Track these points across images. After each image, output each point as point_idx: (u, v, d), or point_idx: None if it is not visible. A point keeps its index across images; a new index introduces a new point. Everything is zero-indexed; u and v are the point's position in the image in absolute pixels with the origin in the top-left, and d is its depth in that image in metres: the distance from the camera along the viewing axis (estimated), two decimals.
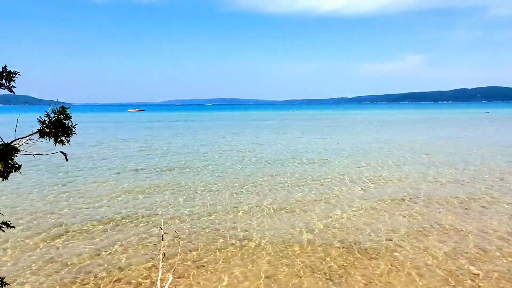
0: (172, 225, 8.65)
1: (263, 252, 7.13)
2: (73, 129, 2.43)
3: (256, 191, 11.85)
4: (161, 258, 6.20)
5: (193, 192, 11.75)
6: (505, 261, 6.56)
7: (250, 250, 7.21)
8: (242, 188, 12.28)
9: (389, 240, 7.65)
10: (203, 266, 6.57)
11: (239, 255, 7.01)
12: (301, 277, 6.16)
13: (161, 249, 6.44)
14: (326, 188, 12.19)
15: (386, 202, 10.40)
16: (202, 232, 8.22)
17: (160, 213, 9.54)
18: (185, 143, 26.00)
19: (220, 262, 6.69)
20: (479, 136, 29.75)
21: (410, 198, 10.77)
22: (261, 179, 13.61)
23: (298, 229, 8.36)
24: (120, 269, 6.50)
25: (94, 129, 41.81)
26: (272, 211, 9.75)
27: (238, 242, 7.65)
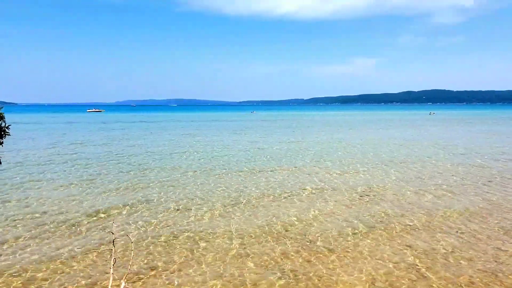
0: (123, 230, 8.35)
1: (219, 253, 7.08)
2: (7, 130, 2.27)
3: (212, 192, 11.75)
4: (112, 264, 5.96)
5: (147, 194, 11.42)
6: (452, 261, 7.02)
7: (206, 252, 7.13)
8: (197, 189, 12.12)
9: (346, 235, 7.91)
10: (157, 270, 6.40)
11: (195, 257, 6.91)
12: (257, 274, 6.19)
13: (112, 254, 6.18)
14: (284, 186, 12.35)
15: (343, 199, 10.74)
16: (155, 236, 8.01)
17: (110, 217, 9.17)
18: (146, 144, 25.23)
19: (174, 266, 6.55)
20: (427, 135, 31.74)
21: (366, 195, 11.22)
22: (220, 179, 13.52)
23: (257, 228, 8.40)
24: (70, 276, 6.17)
25: (41, 131, 39.36)
26: (229, 210, 9.71)
27: (194, 244, 7.53)
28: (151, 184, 12.81)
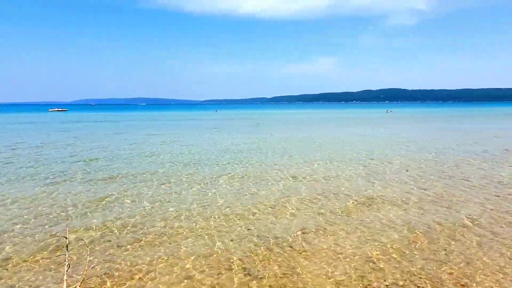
0: (78, 233, 7.99)
1: (180, 255, 6.96)
2: None
3: (174, 193, 11.54)
4: (66, 270, 5.70)
5: (103, 197, 11.00)
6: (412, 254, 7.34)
7: (167, 256, 6.98)
8: (163, 192, 11.86)
9: (303, 232, 8.03)
10: (113, 275, 6.17)
11: (154, 261, 6.74)
12: (220, 274, 6.15)
13: (66, 260, 5.89)
14: (244, 185, 12.36)
15: (300, 196, 10.92)
16: (112, 239, 7.73)
17: (64, 220, 8.74)
18: (104, 145, 24.28)
19: (132, 270, 6.35)
20: (385, 132, 33.06)
21: (327, 190, 11.47)
22: (181, 179, 13.30)
23: (217, 227, 8.33)
24: (20, 284, 5.80)
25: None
26: (191, 210, 9.57)
27: (154, 247, 7.36)
28: (111, 187, 12.37)
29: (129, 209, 9.80)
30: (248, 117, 73.29)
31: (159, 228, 8.34)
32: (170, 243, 7.47)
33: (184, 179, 13.43)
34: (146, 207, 9.93)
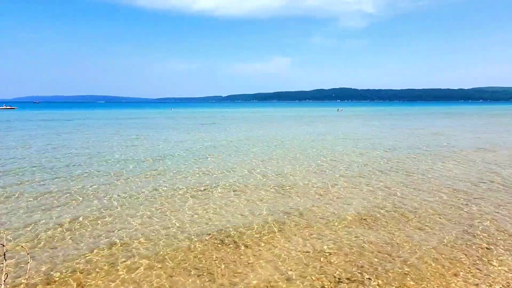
0: (17, 239, 7.44)
1: (132, 258, 6.73)
2: None
3: (125, 193, 11.14)
4: (4, 280, 5.30)
5: (44, 200, 10.37)
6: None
7: (117, 258, 6.72)
8: (106, 193, 11.39)
9: (251, 230, 8.10)
10: (55, 281, 5.82)
11: (104, 266, 6.45)
12: (172, 276, 6.03)
13: (3, 269, 5.47)
14: (195, 183, 12.23)
15: (258, 193, 11.00)
16: (55, 245, 7.29)
17: (2, 227, 8.11)
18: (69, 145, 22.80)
19: (78, 276, 6.04)
20: (336, 129, 34.23)
21: (281, 188, 11.63)
22: (131, 179, 12.86)
23: (170, 227, 8.16)
24: None
25: None
26: (143, 211, 9.29)
27: (102, 250, 7.05)
28: (56, 191, 11.67)
29: (70, 213, 9.30)
30: (204, 116, 72.49)
31: (107, 234, 8.00)
32: (117, 245, 7.20)
33: (138, 180, 13.01)
34: (88, 210, 9.48)
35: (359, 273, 6.08)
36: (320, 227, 8.24)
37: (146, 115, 73.02)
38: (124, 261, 6.55)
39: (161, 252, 6.93)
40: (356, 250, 6.97)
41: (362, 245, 7.23)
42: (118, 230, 8.06)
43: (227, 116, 69.87)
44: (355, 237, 7.65)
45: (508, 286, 5.65)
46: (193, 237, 7.68)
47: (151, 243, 7.37)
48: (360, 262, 6.48)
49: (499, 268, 6.24)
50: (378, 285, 5.71)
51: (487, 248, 7.02)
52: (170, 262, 6.54)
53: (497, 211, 9.27)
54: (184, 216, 9.02)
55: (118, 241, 7.47)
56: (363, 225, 8.33)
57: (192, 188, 11.75)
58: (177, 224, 8.43)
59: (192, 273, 6.14)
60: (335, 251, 6.94)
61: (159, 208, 9.61)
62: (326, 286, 5.69)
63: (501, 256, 6.70)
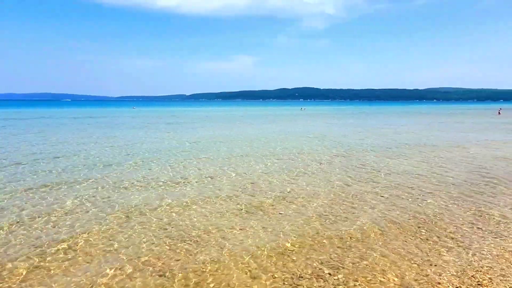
0: None
1: (79, 260, 6.48)
2: None
3: (67, 193, 10.71)
4: None
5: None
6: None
7: (62, 260, 6.45)
8: (54, 196, 10.91)
9: (215, 228, 8.08)
10: None
11: (42, 271, 6.16)
12: (131, 280, 5.87)
13: None
14: (157, 180, 11.99)
15: (221, 190, 10.95)
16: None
17: None
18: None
19: (17, 279, 5.73)
20: (298, 127, 34.81)
21: (243, 186, 11.65)
22: (92, 186, 12.38)
23: (120, 227, 7.94)
24: None
25: None
26: (91, 212, 8.97)
27: (52, 249, 6.74)
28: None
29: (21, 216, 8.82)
30: (167, 115, 71.02)
31: (55, 235, 7.66)
32: (67, 247, 6.92)
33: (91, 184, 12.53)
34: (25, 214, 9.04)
35: (319, 268, 6.23)
36: (282, 222, 8.36)
37: (105, 114, 70.43)
38: (64, 265, 6.29)
39: (108, 254, 6.73)
40: (317, 245, 7.14)
41: (323, 240, 7.42)
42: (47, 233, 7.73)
43: (190, 115, 68.94)
44: (316, 233, 7.83)
45: (457, 273, 6.02)
46: (157, 237, 7.53)
47: (95, 244, 7.13)
48: (322, 257, 6.64)
49: (449, 258, 6.63)
50: (340, 279, 5.88)
51: (438, 239, 7.44)
52: (127, 264, 6.37)
53: (447, 205, 9.84)
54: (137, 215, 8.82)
55: (45, 241, 7.16)
56: (323, 220, 8.55)
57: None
58: (126, 228, 8.21)
59: (149, 274, 6.02)
60: (297, 247, 7.06)
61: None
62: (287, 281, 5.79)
63: (451, 247, 7.12)
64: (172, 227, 8.15)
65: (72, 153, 18.54)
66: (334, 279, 5.86)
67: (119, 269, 6.20)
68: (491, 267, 6.25)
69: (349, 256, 6.69)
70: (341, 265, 6.32)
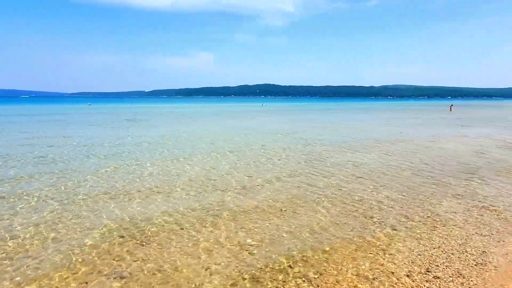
0: None
1: (39, 263, 6.15)
2: None
3: (40, 191, 10.13)
4: None
5: None
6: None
7: (36, 264, 6.09)
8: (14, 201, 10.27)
9: (174, 224, 7.96)
10: None
11: (20, 274, 5.80)
12: (87, 282, 5.64)
13: None
14: (113, 181, 11.61)
15: (182, 189, 10.79)
16: None
17: None
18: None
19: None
20: (261, 124, 35.04)
21: (205, 184, 11.54)
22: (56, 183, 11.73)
23: (82, 230, 7.63)
24: None
25: None
26: (57, 212, 8.53)
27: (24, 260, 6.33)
28: None
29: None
30: (124, 112, 68.73)
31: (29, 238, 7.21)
32: (40, 251, 6.54)
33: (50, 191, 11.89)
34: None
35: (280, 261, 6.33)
36: (244, 219, 8.38)
37: (58, 111, 66.92)
38: (26, 268, 5.96)
39: (68, 256, 6.44)
40: (277, 240, 7.24)
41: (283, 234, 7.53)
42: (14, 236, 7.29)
43: (150, 112, 67.24)
44: (276, 228, 7.93)
45: (411, 262, 6.35)
46: (108, 231, 7.28)
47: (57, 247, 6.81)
48: (282, 251, 6.74)
49: (403, 248, 6.97)
50: (299, 271, 6.00)
51: (393, 230, 7.80)
52: (79, 265, 6.12)
53: (401, 197, 10.34)
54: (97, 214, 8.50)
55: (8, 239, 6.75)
56: (282, 215, 8.68)
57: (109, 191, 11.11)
58: (87, 229, 7.91)
59: (107, 277, 5.82)
60: (257, 243, 7.12)
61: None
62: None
63: (404, 237, 7.50)
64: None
65: None
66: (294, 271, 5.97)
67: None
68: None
69: (314, 248, 6.83)
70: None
